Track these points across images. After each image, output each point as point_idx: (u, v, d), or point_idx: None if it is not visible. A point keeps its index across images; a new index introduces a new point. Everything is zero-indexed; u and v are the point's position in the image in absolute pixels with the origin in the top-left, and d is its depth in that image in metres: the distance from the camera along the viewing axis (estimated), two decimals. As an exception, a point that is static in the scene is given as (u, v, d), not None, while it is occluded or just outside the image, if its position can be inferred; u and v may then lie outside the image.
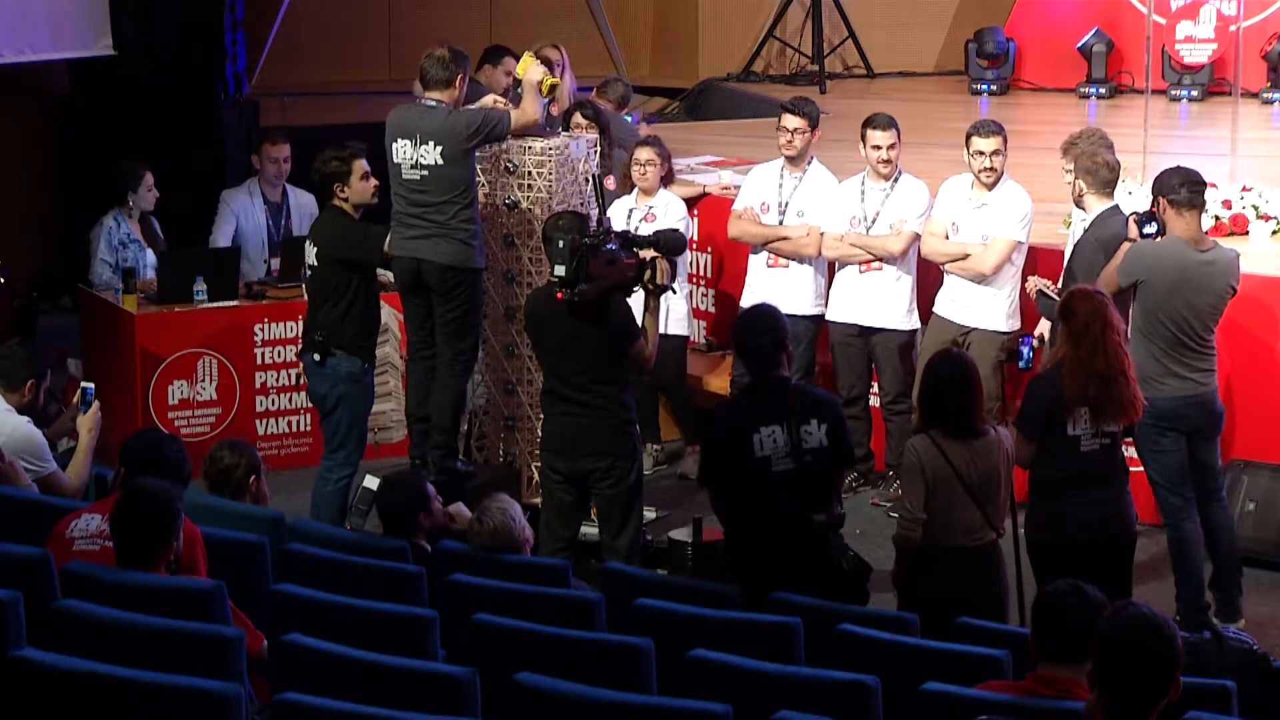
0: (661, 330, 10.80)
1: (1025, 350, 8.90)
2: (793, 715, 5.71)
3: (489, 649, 6.56)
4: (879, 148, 10.77)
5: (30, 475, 8.38)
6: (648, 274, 9.05)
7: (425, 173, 9.84)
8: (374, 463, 10.83)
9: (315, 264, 10.08)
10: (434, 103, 9.92)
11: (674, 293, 10.04)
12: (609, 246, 8.95)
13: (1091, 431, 8.25)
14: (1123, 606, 5.13)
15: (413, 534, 7.99)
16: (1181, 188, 9.21)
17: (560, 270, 8.88)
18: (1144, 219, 9.34)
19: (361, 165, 9.89)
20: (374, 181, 9.96)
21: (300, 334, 10.47)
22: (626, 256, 9.01)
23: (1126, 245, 9.37)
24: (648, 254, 9.12)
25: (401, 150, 9.88)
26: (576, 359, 9.00)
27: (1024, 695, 5.90)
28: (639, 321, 9.11)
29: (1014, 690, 5.99)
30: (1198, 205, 9.26)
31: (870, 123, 10.84)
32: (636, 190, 11.38)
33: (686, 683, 6.33)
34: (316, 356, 9.94)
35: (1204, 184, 9.39)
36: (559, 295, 8.91)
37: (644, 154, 11.36)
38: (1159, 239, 9.28)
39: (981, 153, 10.50)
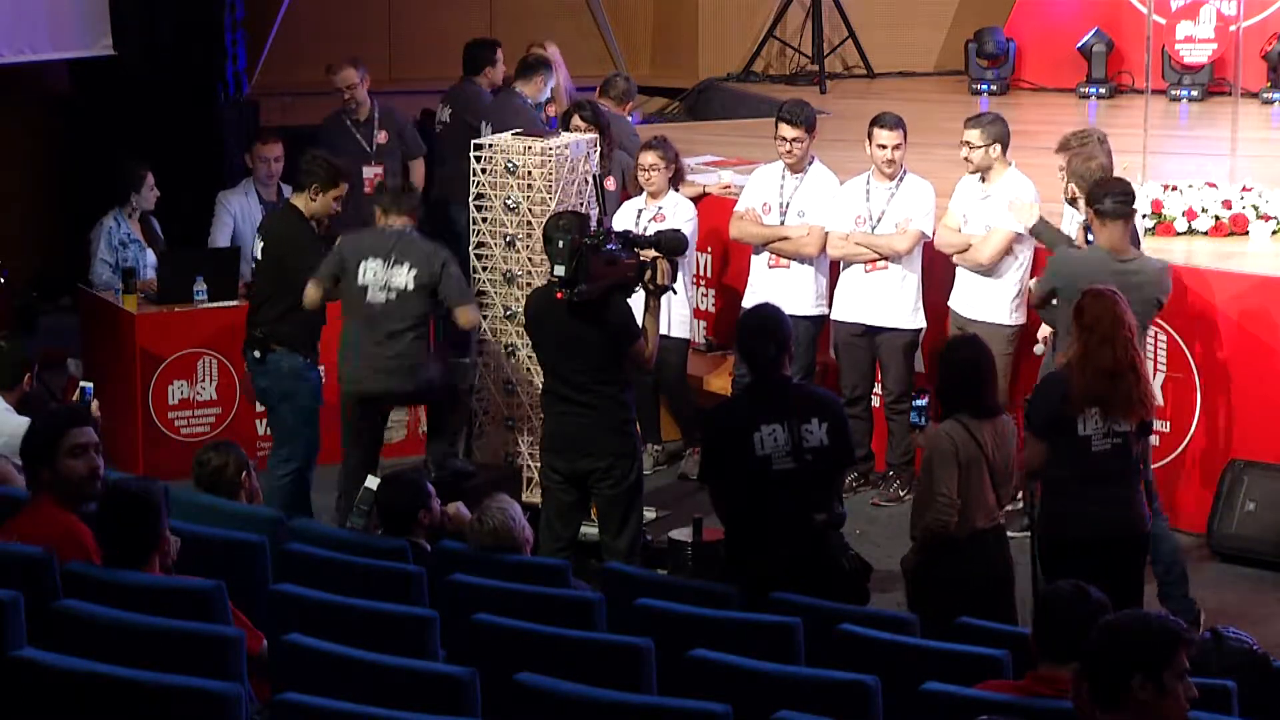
0: (664, 331, 10.83)
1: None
2: (793, 715, 5.71)
3: (489, 649, 6.56)
4: (884, 147, 10.79)
5: (30, 476, 8.37)
6: (648, 274, 9.05)
7: (393, 295, 9.79)
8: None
9: (260, 258, 10.15)
10: (402, 228, 9.91)
11: (674, 293, 10.04)
12: (609, 247, 8.96)
13: (1102, 431, 8.24)
14: (1121, 613, 5.15)
15: (413, 532, 8.00)
16: (1106, 198, 9.30)
17: (560, 270, 8.88)
18: (1089, 227, 9.46)
19: (344, 190, 9.95)
20: (339, 209, 10.03)
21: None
22: (627, 257, 9.02)
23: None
24: (648, 254, 9.13)
25: (370, 271, 9.79)
26: (576, 359, 9.00)
27: (1024, 695, 5.90)
28: (639, 322, 9.12)
29: (1014, 690, 5.99)
30: (1123, 215, 9.30)
31: (878, 121, 10.86)
32: (645, 192, 11.35)
33: (686, 683, 6.33)
34: (257, 353, 10.00)
35: (1132, 195, 9.44)
36: (559, 295, 8.91)
37: (648, 158, 11.30)
38: (1082, 249, 9.39)
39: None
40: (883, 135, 10.81)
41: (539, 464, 9.95)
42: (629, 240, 9.16)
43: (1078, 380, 8.19)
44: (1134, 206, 9.45)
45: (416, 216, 10.02)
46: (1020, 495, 10.27)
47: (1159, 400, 8.50)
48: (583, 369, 9.00)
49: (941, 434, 8.07)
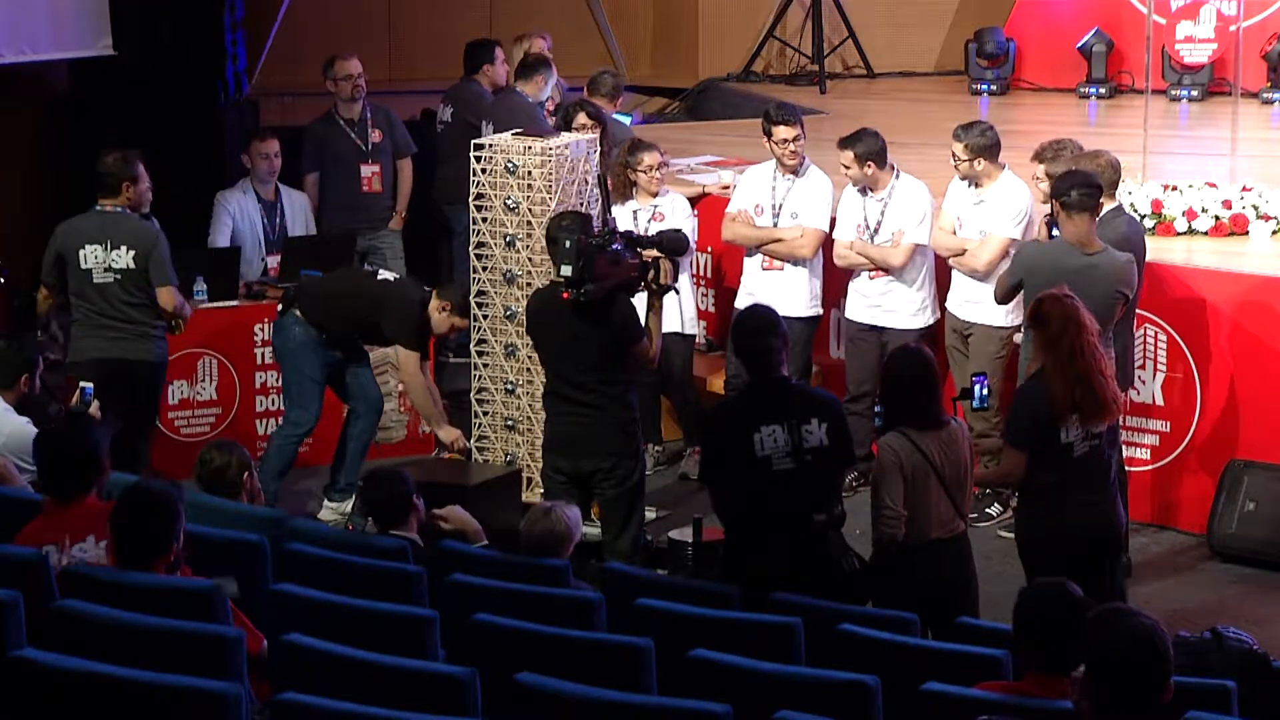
0: (678, 329, 10.85)
1: (979, 389, 8.77)
2: (793, 715, 5.71)
3: (489, 649, 6.56)
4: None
5: (30, 476, 8.38)
6: (651, 274, 9.04)
7: (119, 276, 10.17)
8: (374, 463, 10.82)
9: (370, 270, 10.89)
10: (117, 209, 10.29)
11: (676, 292, 10.05)
12: (614, 246, 8.95)
13: (1081, 436, 8.23)
14: (1114, 614, 5.14)
15: (407, 524, 7.98)
16: (1072, 190, 9.31)
17: (566, 270, 8.85)
18: (1052, 222, 9.45)
19: (464, 326, 10.45)
20: (449, 337, 10.88)
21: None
22: (630, 256, 9.01)
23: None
24: (650, 254, 9.13)
25: (91, 255, 10.19)
26: (580, 359, 8.99)
27: (1022, 695, 5.90)
28: (642, 321, 9.11)
29: (1012, 690, 5.99)
30: (1088, 208, 9.31)
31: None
32: (639, 192, 11.31)
33: (686, 683, 6.33)
34: (280, 306, 10.54)
35: (1099, 187, 9.44)
36: (564, 295, 8.89)
37: (653, 158, 11.26)
38: (1045, 240, 9.39)
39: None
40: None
41: (539, 464, 9.95)
42: (631, 240, 9.16)
43: (1057, 390, 8.15)
44: (1100, 200, 9.44)
45: (133, 196, 10.36)
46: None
47: (1122, 396, 8.46)
48: (586, 369, 8.99)
49: (884, 447, 8.06)
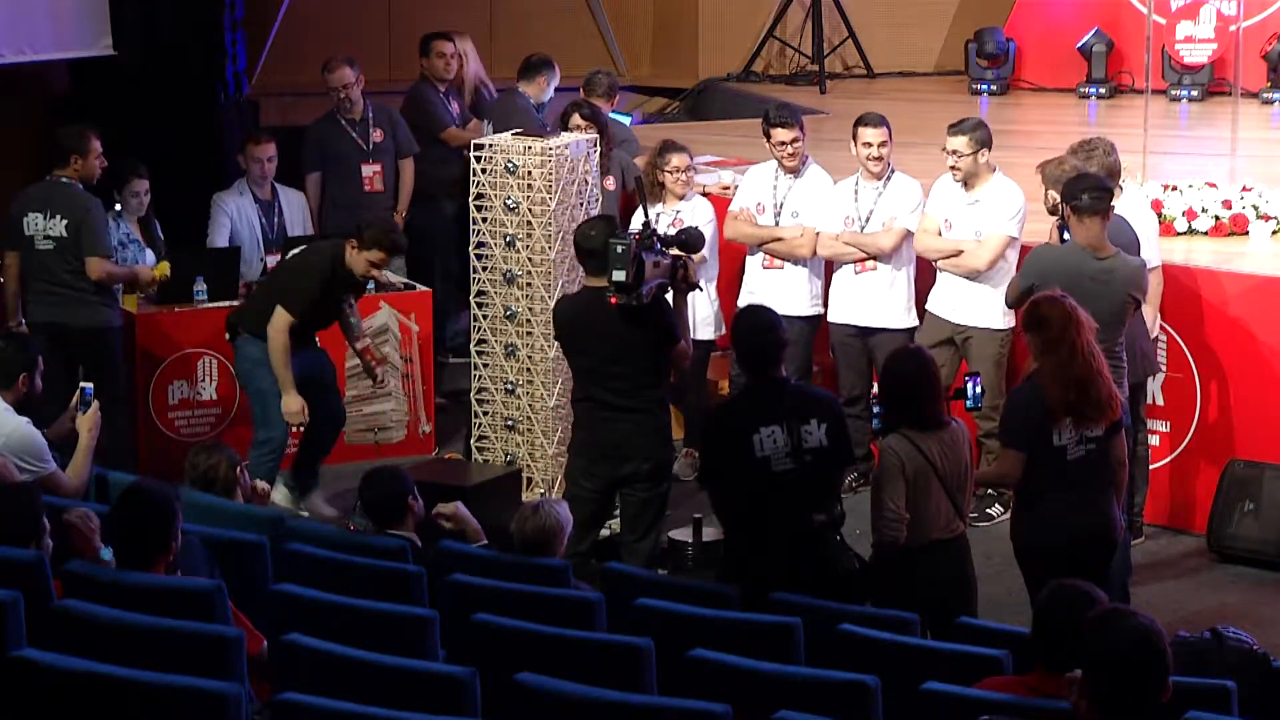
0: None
1: (972, 388, 8.76)
2: (793, 715, 5.72)
3: (489, 649, 6.56)
4: (870, 145, 10.79)
5: (30, 476, 8.37)
6: (680, 272, 9.01)
7: (55, 244, 10.67)
8: (374, 463, 10.81)
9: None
10: (63, 179, 10.75)
11: (700, 290, 10.01)
12: (657, 247, 8.93)
13: (1076, 439, 8.19)
14: (1113, 614, 5.15)
15: (404, 523, 7.99)
16: (1083, 194, 9.23)
17: (619, 275, 8.74)
18: (1064, 226, 9.41)
19: (384, 260, 10.48)
20: (372, 275, 10.62)
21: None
22: (664, 257, 8.98)
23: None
24: (672, 253, 9.10)
25: (32, 223, 10.73)
26: (625, 364, 8.90)
27: (1029, 694, 5.90)
28: None
29: (1020, 685, 5.99)
30: (1099, 211, 9.22)
31: (861, 120, 10.86)
32: (666, 194, 11.24)
33: (686, 683, 6.33)
34: (227, 335, 10.69)
35: (1109, 190, 9.36)
36: (613, 300, 8.78)
37: (681, 160, 11.21)
38: (1058, 245, 9.35)
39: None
40: (868, 134, 10.81)
41: (539, 463, 9.95)
42: (660, 239, 9.11)
43: (1053, 393, 8.11)
44: (1111, 203, 9.39)
45: (80, 168, 10.70)
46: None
47: (1124, 396, 8.43)
48: (630, 374, 8.90)
49: (886, 449, 8.05)
